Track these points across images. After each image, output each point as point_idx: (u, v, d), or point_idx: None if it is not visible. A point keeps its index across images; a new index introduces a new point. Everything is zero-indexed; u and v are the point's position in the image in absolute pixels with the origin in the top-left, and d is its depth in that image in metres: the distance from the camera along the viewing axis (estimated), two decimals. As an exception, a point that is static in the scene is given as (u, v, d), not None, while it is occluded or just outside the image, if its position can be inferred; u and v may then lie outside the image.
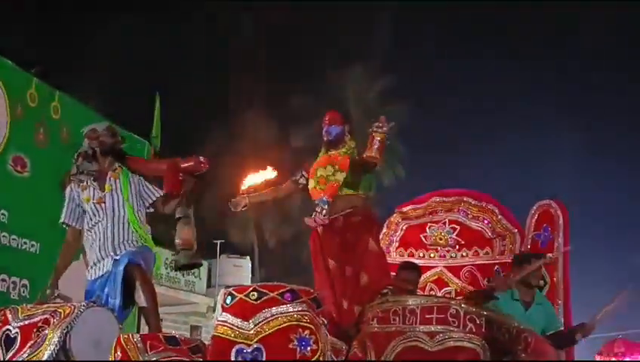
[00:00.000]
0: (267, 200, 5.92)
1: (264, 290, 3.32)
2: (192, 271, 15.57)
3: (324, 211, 4.96)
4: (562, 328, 5.19)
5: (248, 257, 18.88)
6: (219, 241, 17.49)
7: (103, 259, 4.80)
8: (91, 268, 4.90)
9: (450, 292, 5.81)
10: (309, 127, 23.90)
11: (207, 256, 16.91)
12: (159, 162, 5.43)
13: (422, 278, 5.80)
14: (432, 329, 3.96)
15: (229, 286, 3.50)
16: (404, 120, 25.58)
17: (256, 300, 3.29)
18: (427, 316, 4.01)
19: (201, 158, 5.03)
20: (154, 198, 4.99)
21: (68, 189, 5.04)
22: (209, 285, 16.51)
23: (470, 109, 28.88)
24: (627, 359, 10.15)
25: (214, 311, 11.31)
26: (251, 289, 3.35)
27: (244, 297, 3.32)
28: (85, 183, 4.94)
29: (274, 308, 3.24)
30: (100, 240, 4.83)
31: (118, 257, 4.75)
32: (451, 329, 3.94)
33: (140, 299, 4.60)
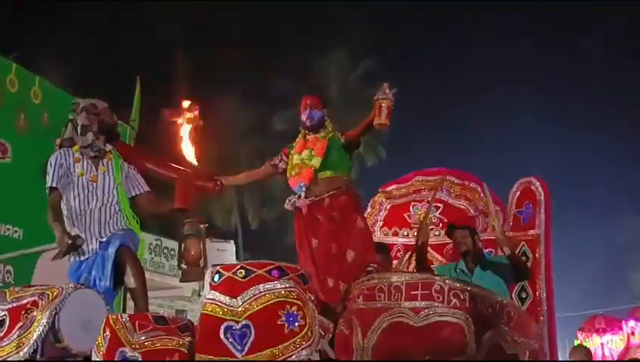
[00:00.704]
0: (242, 183, 6.03)
1: (251, 268, 3.35)
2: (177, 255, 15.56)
3: (296, 199, 5.05)
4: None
5: (232, 241, 18.86)
6: (203, 225, 17.45)
7: (89, 241, 4.74)
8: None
9: (434, 270, 5.86)
10: (290, 111, 23.96)
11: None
12: (169, 165, 5.30)
13: (406, 256, 5.86)
14: (417, 304, 4.01)
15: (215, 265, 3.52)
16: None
17: (243, 278, 3.32)
18: (412, 292, 4.06)
19: (219, 183, 5.21)
20: (138, 192, 4.98)
21: (56, 155, 4.87)
22: (193, 269, 16.48)
23: (453, 89, 29.03)
24: (608, 334, 10.34)
25: (199, 295, 11.36)
26: (239, 266, 3.38)
27: (231, 275, 3.35)
28: (78, 156, 4.85)
29: (261, 285, 3.28)
30: (86, 220, 4.78)
31: (103, 239, 4.71)
32: (436, 304, 4.00)
33: (130, 281, 4.58)
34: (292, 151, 5.27)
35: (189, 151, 5.13)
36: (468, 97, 29.33)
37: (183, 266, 4.86)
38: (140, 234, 4.95)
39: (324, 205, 5.00)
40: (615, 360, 10.02)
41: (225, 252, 18.00)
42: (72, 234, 4.64)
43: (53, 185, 4.83)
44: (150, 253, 14.44)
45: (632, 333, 10.11)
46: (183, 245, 4.85)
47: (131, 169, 5.02)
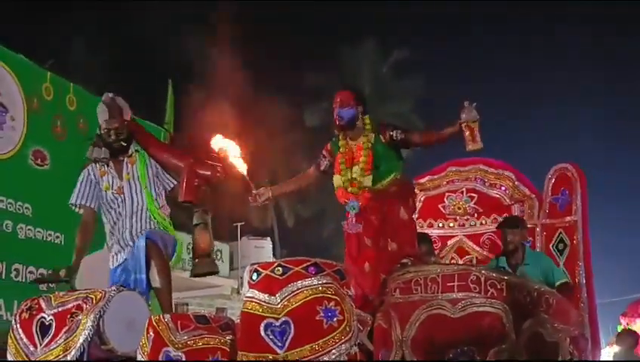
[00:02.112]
0: (292, 191, 5.69)
1: (288, 265, 3.40)
2: (215, 254, 15.72)
3: (354, 219, 4.90)
4: (567, 280, 5.23)
5: (269, 238, 18.98)
6: (239, 224, 17.58)
7: (123, 249, 4.84)
8: (114, 255, 4.95)
9: (471, 261, 5.87)
10: (322, 105, 23.94)
11: (228, 238, 17.04)
12: (175, 152, 5.28)
13: (444, 247, 5.87)
14: (454, 296, 4.01)
15: (245, 266, 3.57)
16: (418, 92, 25.61)
17: (281, 275, 3.37)
18: (448, 284, 4.06)
19: (219, 168, 4.97)
20: (172, 185, 4.97)
21: (85, 172, 4.98)
22: (232, 268, 16.61)
23: (485, 78, 28.74)
24: (652, 318, 10.20)
25: (238, 292, 11.46)
26: (276, 264, 3.42)
27: (269, 273, 3.39)
28: (104, 169, 4.88)
29: (299, 282, 3.32)
30: (119, 230, 4.86)
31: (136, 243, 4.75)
32: (473, 295, 3.99)
33: (154, 278, 4.60)
34: (340, 155, 5.05)
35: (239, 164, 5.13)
36: (502, 85, 29.02)
37: (194, 260, 4.88)
38: (174, 234, 4.94)
39: (379, 204, 4.90)
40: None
41: (262, 249, 18.14)
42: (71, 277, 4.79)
43: (72, 201, 5.04)
44: (189, 253, 14.60)
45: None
46: (193, 236, 4.85)
47: (159, 168, 4.97)
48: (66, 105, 8.88)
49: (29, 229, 8.11)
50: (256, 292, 3.36)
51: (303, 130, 25.08)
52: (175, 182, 4.97)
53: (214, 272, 5.11)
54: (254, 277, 3.41)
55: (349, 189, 4.92)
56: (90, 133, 8.76)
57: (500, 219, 5.66)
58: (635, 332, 8.61)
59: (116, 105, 5.01)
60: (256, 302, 3.33)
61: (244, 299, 3.39)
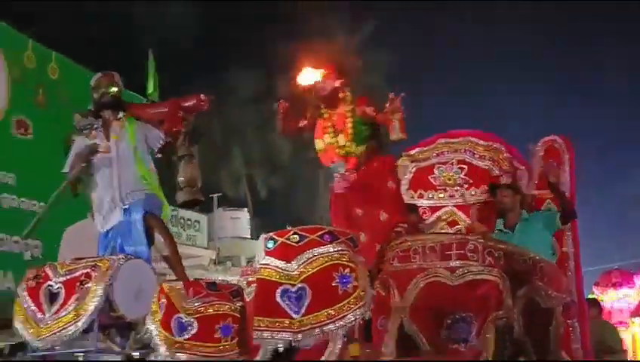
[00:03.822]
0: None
1: (304, 233, 3.47)
2: (194, 225, 15.75)
3: (343, 178, 5.18)
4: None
5: (245, 209, 19.03)
6: (215, 195, 17.59)
7: (113, 210, 4.87)
8: (103, 219, 4.96)
9: (460, 231, 5.94)
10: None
11: (204, 210, 17.04)
12: (160, 104, 5.49)
13: (433, 218, 5.95)
14: (452, 264, 4.10)
15: (222, 238, 3.63)
16: (390, 64, 25.62)
17: (297, 243, 3.44)
18: (447, 252, 4.14)
19: (202, 96, 5.12)
20: (162, 142, 5.04)
21: (77, 141, 5.08)
22: (209, 238, 16.64)
23: (467, 45, 28.69)
24: (624, 288, 10.47)
25: (215, 263, 11.50)
26: (292, 232, 3.50)
27: (285, 240, 3.47)
28: (94, 133, 4.99)
29: (315, 249, 3.40)
30: (107, 191, 4.90)
31: (127, 206, 4.82)
32: (471, 263, 4.08)
33: (162, 247, 4.71)
34: (324, 120, 5.33)
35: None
36: (484, 53, 28.93)
37: (179, 190, 4.99)
38: (162, 196, 5.03)
39: (361, 173, 5.10)
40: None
41: (238, 220, 18.19)
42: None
43: (66, 170, 5.11)
44: (167, 224, 14.60)
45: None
46: (179, 169, 4.98)
47: (147, 125, 5.08)
48: (47, 73, 8.80)
49: (12, 199, 8.07)
50: (273, 259, 3.43)
51: (274, 101, 24.95)
52: (164, 138, 5.06)
53: (199, 201, 5.23)
54: (270, 244, 3.48)
55: (337, 151, 5.23)
56: (72, 102, 8.73)
57: (490, 190, 5.75)
58: (598, 302, 8.79)
59: (109, 73, 5.23)
60: (272, 269, 3.40)
61: (260, 266, 3.46)
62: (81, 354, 4.06)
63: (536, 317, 4.16)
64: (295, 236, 3.44)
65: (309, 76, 5.43)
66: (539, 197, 5.68)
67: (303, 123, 5.52)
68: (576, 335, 5.22)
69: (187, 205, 5.17)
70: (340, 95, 5.30)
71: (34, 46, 8.57)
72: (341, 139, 5.25)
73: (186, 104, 5.06)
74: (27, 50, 8.52)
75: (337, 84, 5.30)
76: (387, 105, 4.91)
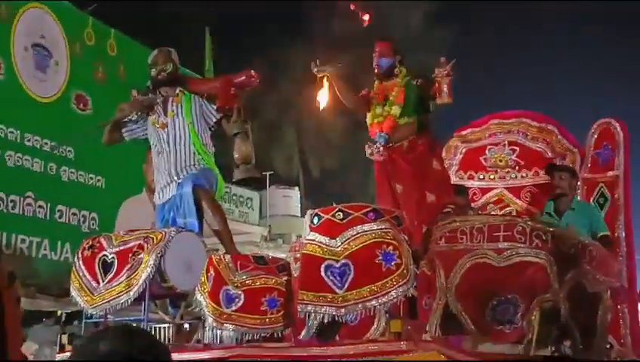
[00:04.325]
0: (344, 91, 5.73)
1: (349, 210, 3.52)
2: (246, 202, 15.95)
3: (381, 147, 5.18)
4: (606, 233, 5.30)
5: (297, 187, 19.15)
6: (267, 173, 17.76)
7: (169, 184, 5.01)
8: (159, 191, 5.12)
9: (510, 213, 5.90)
10: (353, 54, 23.73)
11: (257, 187, 17.22)
12: (212, 80, 5.62)
13: (482, 199, 5.93)
14: (499, 246, 4.09)
15: (273, 215, 3.69)
16: (450, 43, 25.30)
17: (341, 220, 3.49)
18: (494, 234, 4.12)
19: (252, 72, 5.20)
20: (216, 117, 5.15)
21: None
22: (261, 216, 16.84)
23: (523, 27, 28.15)
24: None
25: (266, 239, 11.67)
26: (337, 209, 3.55)
27: (330, 217, 3.52)
28: (153, 108, 5.17)
29: (359, 226, 3.45)
30: (164, 165, 5.04)
31: (180, 180, 4.95)
32: (518, 245, 4.07)
33: (212, 221, 4.82)
34: (373, 92, 5.44)
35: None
36: (541, 35, 28.32)
37: (235, 168, 5.09)
38: (216, 170, 5.15)
39: (404, 150, 5.13)
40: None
41: (290, 198, 18.35)
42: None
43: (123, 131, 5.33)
44: (221, 200, 14.83)
45: None
46: (234, 146, 5.05)
47: (203, 101, 5.19)
48: (106, 50, 8.99)
49: (71, 172, 8.30)
50: (317, 235, 3.48)
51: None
52: (217, 115, 5.17)
53: (256, 177, 5.41)
54: (315, 221, 3.53)
55: (376, 120, 5.34)
56: (130, 78, 8.93)
57: (543, 173, 5.70)
58: None
59: (165, 50, 5.34)
60: (317, 245, 3.46)
61: (305, 241, 3.52)
62: (133, 322, 4.20)
63: (583, 301, 4.12)
64: (339, 213, 3.49)
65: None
66: (592, 180, 5.62)
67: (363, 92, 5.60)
68: (626, 321, 5.16)
69: (243, 182, 5.30)
70: (395, 72, 5.41)
71: (93, 23, 8.75)
72: (387, 107, 5.34)
73: (237, 80, 5.15)
74: (87, 28, 8.71)
75: (395, 61, 5.42)
76: (437, 69, 4.99)
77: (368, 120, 5.43)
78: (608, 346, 4.88)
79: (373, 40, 5.62)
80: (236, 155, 5.05)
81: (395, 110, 5.26)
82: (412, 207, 5.03)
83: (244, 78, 5.15)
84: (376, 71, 5.42)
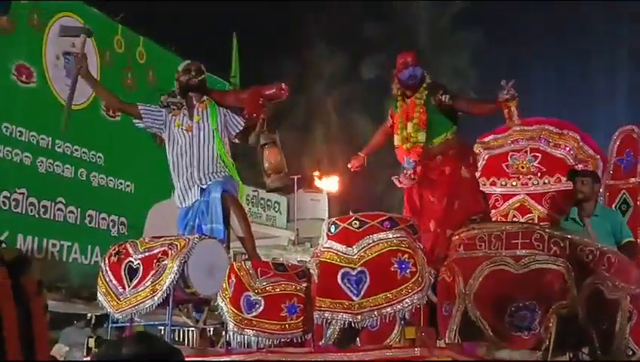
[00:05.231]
0: (377, 146, 5.75)
1: (365, 219, 3.58)
2: (274, 206, 16.06)
3: (410, 173, 5.10)
4: (631, 239, 5.29)
5: (325, 191, 19.19)
6: (296, 177, 17.85)
7: (191, 188, 5.06)
8: (179, 196, 5.18)
9: (532, 219, 5.93)
10: (381, 55, 23.80)
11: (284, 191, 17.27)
12: (240, 91, 5.65)
13: (505, 206, 5.96)
14: (517, 253, 4.12)
15: (301, 219, 3.76)
16: (476, 45, 25.19)
17: (358, 228, 3.56)
18: (512, 241, 4.16)
19: (283, 85, 5.21)
20: (240, 127, 5.19)
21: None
22: (288, 219, 16.93)
23: (549, 33, 27.91)
24: None
25: (294, 243, 11.76)
26: (353, 218, 3.62)
27: (347, 226, 3.59)
28: (178, 111, 5.20)
29: (375, 235, 3.51)
30: (185, 168, 5.09)
31: (204, 186, 5.01)
32: (536, 252, 4.09)
33: (237, 226, 4.89)
34: (398, 115, 5.26)
35: None
36: (567, 41, 28.07)
37: (267, 178, 5.09)
38: (238, 178, 5.20)
39: (437, 163, 5.10)
40: None
41: (318, 202, 18.42)
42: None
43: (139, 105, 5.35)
44: (248, 204, 14.94)
45: None
46: (263, 156, 5.06)
47: (228, 111, 5.26)
48: (136, 57, 9.18)
49: (101, 178, 8.48)
50: (334, 243, 3.56)
51: (360, 82, 25.02)
52: (243, 123, 5.21)
53: (287, 186, 5.39)
54: (332, 229, 3.61)
55: (404, 145, 5.16)
56: (159, 85, 9.09)
57: (565, 180, 5.72)
58: None
59: (198, 62, 5.43)
60: (334, 253, 3.53)
61: (322, 249, 3.60)
62: (158, 326, 4.30)
63: (602, 307, 4.13)
64: (356, 222, 3.56)
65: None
66: (614, 187, 5.62)
67: None
68: (648, 327, 5.15)
69: (277, 190, 5.31)
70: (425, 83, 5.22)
71: (123, 31, 8.93)
72: (410, 127, 5.16)
73: (267, 92, 5.18)
74: (117, 35, 8.89)
75: (421, 72, 5.22)
76: (501, 93, 4.71)
77: (395, 141, 5.29)
78: (630, 353, 4.89)
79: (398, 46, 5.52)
80: (266, 165, 5.06)
81: (421, 137, 5.11)
82: (439, 215, 5.01)
83: (274, 90, 5.19)
84: (410, 82, 5.18)
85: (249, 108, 5.13)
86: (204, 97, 5.25)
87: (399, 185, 5.21)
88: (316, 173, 19.40)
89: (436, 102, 5.14)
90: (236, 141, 5.27)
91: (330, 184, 19.32)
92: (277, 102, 5.27)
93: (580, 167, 5.78)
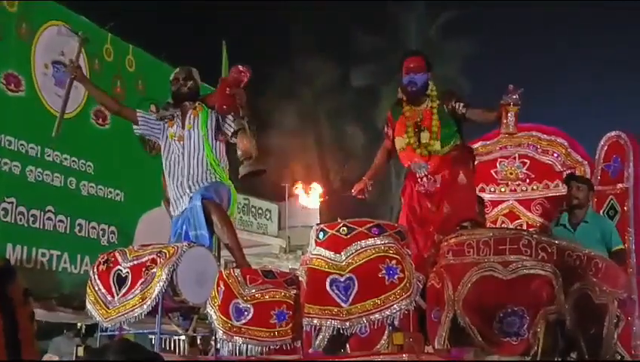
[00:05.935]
0: (380, 169, 5.48)
1: (353, 225, 3.60)
2: (265, 213, 16.05)
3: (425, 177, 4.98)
4: (622, 247, 5.32)
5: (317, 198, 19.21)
6: (287, 184, 17.86)
7: (182, 197, 5.09)
8: (172, 205, 5.22)
9: (521, 225, 5.97)
10: (370, 65, 23.84)
11: (276, 199, 17.32)
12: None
13: (493, 212, 5.98)
14: (506, 258, 4.13)
15: (292, 226, 3.77)
16: (467, 54, 25.26)
17: (346, 235, 3.58)
18: (500, 246, 4.16)
19: (240, 67, 5.15)
20: (233, 129, 5.15)
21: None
22: (279, 227, 16.93)
23: (537, 43, 28.12)
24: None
25: (286, 251, 11.74)
26: (341, 224, 3.63)
27: (335, 232, 3.60)
28: (172, 121, 5.22)
29: (363, 241, 3.53)
30: (176, 177, 5.11)
31: (192, 194, 5.01)
32: (524, 258, 4.11)
33: (221, 233, 4.87)
34: (403, 119, 5.08)
35: None
36: (554, 50, 28.32)
37: (240, 166, 5.05)
38: (229, 183, 5.18)
39: (438, 169, 4.98)
40: None
41: (309, 210, 18.42)
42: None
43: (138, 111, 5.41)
44: (239, 212, 14.94)
45: None
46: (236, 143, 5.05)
47: (220, 115, 5.20)
48: (125, 66, 9.17)
49: (91, 186, 8.45)
50: (323, 250, 3.57)
51: (350, 91, 25.07)
52: (234, 128, 5.16)
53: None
54: (321, 236, 3.62)
55: (418, 151, 4.96)
56: (149, 93, 9.08)
57: (553, 185, 5.76)
58: None
59: (187, 67, 5.44)
60: (322, 259, 3.54)
61: (311, 256, 3.61)
62: (147, 335, 4.29)
63: (589, 312, 4.15)
64: (344, 228, 3.58)
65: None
66: (602, 192, 5.66)
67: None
68: (637, 332, 5.19)
69: (247, 178, 5.17)
70: (428, 91, 5.01)
71: (112, 39, 8.93)
72: (424, 137, 4.94)
73: (229, 80, 5.14)
74: (106, 44, 8.89)
75: (428, 78, 5.00)
76: (505, 96, 4.51)
77: (399, 145, 5.09)
78: (619, 358, 4.91)
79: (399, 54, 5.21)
80: (239, 152, 5.06)
81: (437, 146, 4.92)
82: (438, 222, 4.95)
83: (234, 75, 5.12)
84: (410, 89, 4.96)
85: (219, 101, 5.11)
86: (197, 103, 5.24)
87: (421, 190, 5.02)
88: (297, 187, 19.30)
89: (449, 110, 4.96)
90: (234, 141, 5.25)
91: (312, 200, 19.28)
92: (245, 86, 5.16)
93: (564, 173, 5.84)
